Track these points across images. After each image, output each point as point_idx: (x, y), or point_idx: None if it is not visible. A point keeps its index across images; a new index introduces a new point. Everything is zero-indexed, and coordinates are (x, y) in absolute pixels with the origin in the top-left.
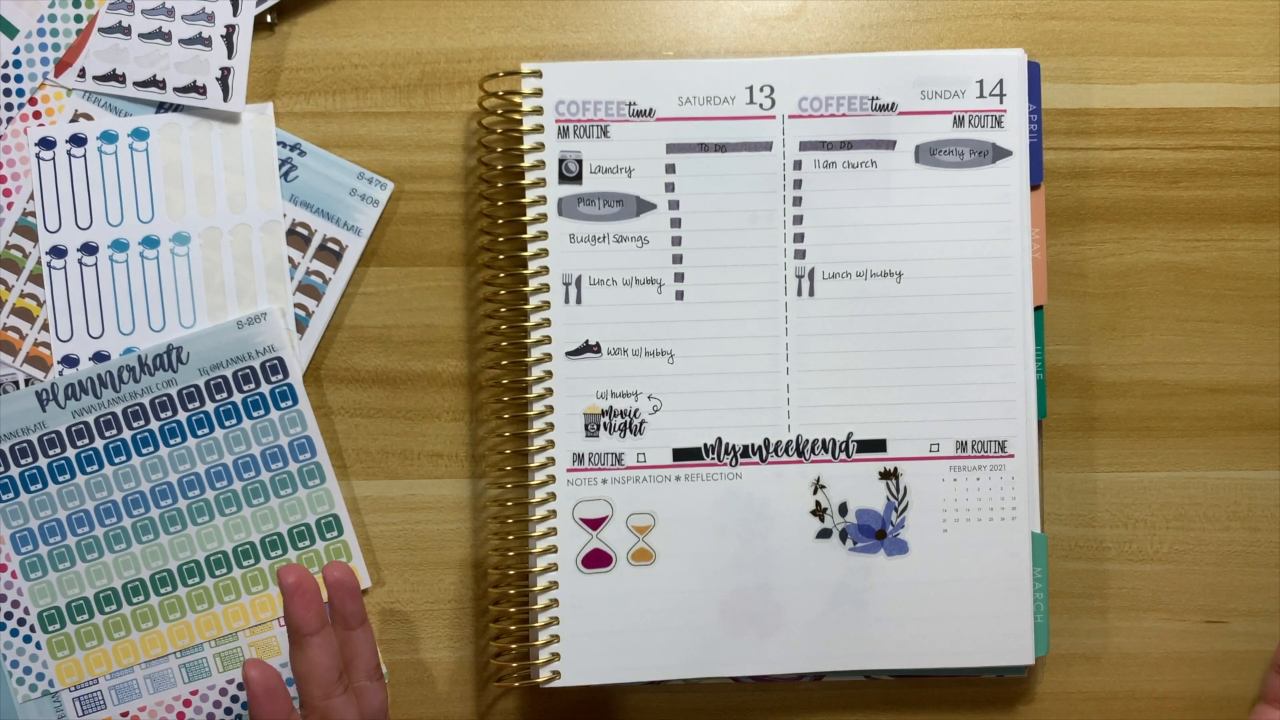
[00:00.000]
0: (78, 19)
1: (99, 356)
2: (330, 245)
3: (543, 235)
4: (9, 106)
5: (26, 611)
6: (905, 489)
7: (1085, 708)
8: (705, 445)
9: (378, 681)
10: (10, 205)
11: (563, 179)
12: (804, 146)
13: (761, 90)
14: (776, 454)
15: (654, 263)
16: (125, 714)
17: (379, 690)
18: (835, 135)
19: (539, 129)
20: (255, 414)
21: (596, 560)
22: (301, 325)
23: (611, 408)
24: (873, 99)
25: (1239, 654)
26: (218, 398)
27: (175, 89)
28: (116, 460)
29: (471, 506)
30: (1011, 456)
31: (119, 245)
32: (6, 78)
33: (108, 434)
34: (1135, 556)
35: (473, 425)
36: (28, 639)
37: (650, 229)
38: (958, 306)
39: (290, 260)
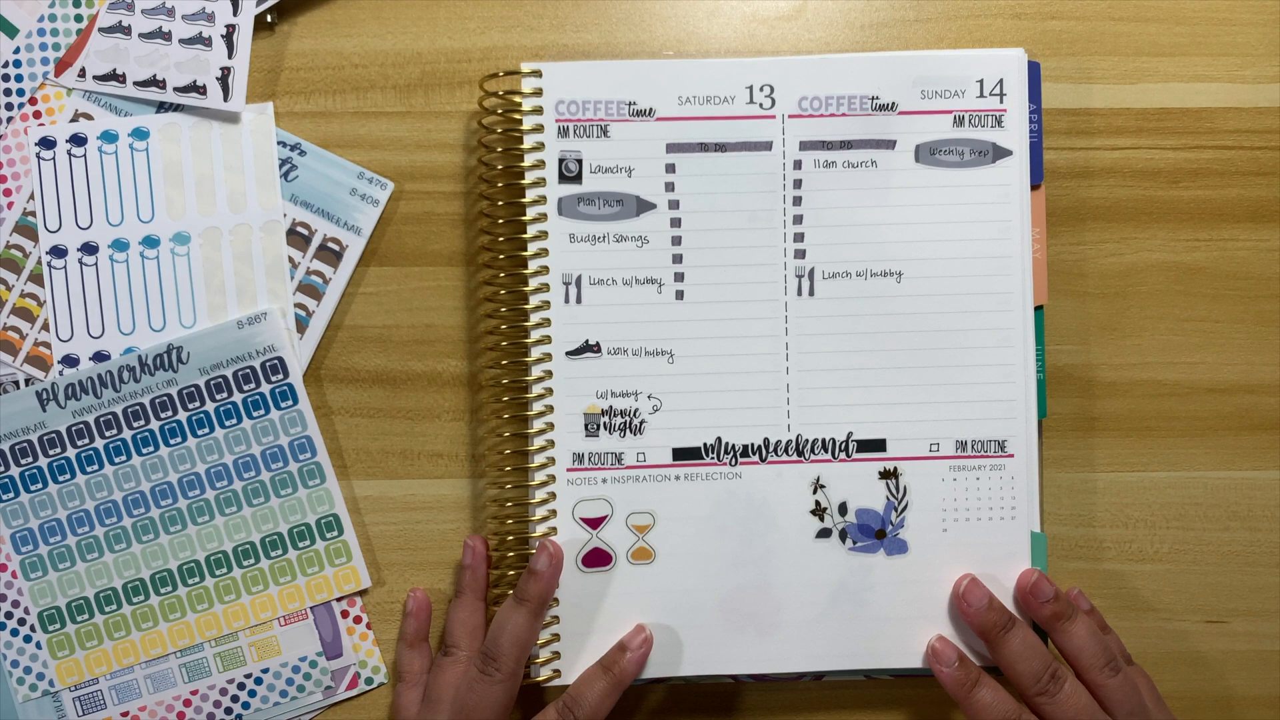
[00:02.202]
0: (78, 19)
1: (99, 356)
2: (330, 245)
3: (543, 235)
4: (9, 106)
5: (27, 611)
6: (905, 489)
7: None
8: (705, 445)
9: None
10: (10, 205)
11: (563, 179)
12: (804, 146)
13: (761, 90)
14: (776, 454)
15: (654, 262)
16: (125, 714)
17: None
18: (835, 135)
19: (539, 129)
20: (255, 414)
21: (596, 559)
22: (301, 325)
23: (611, 407)
24: (873, 99)
25: (1239, 654)
26: (218, 397)
27: (175, 89)
28: (117, 460)
29: (471, 506)
30: (1011, 456)
31: (119, 245)
32: (6, 78)
33: (108, 434)
34: (1135, 556)
35: (473, 425)
36: (28, 639)
37: (650, 229)
38: (958, 306)
39: (290, 260)
